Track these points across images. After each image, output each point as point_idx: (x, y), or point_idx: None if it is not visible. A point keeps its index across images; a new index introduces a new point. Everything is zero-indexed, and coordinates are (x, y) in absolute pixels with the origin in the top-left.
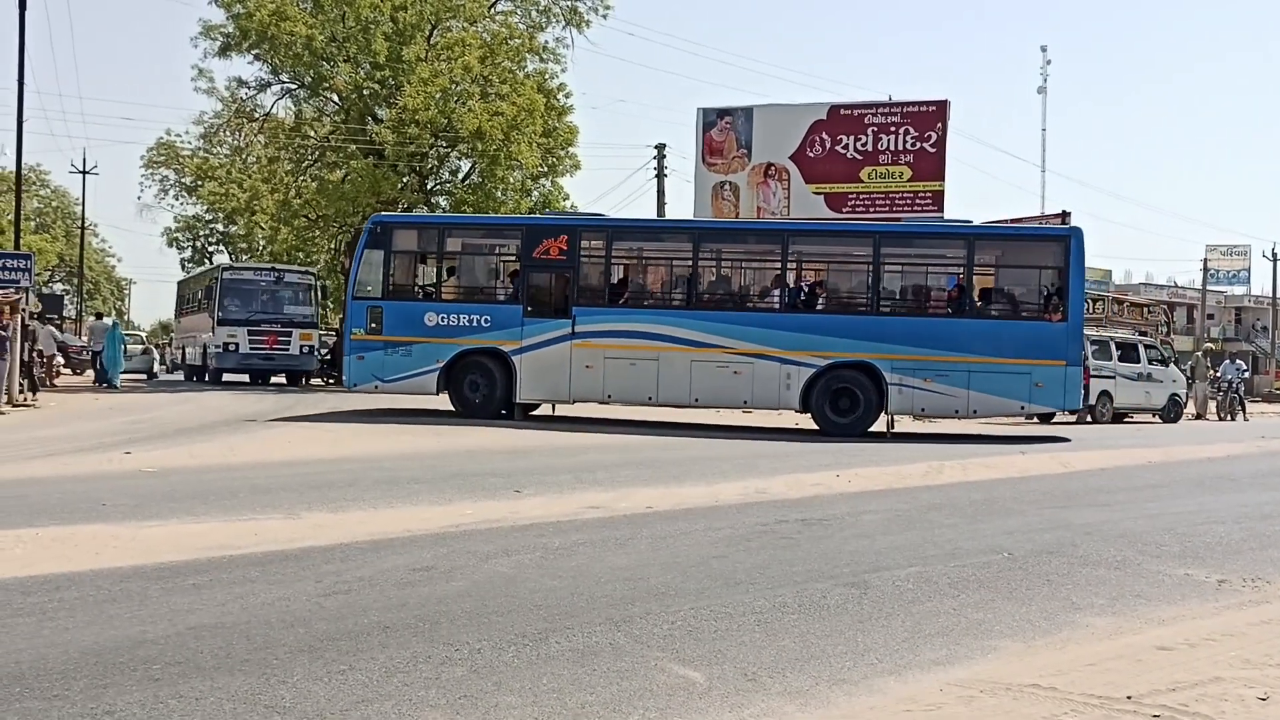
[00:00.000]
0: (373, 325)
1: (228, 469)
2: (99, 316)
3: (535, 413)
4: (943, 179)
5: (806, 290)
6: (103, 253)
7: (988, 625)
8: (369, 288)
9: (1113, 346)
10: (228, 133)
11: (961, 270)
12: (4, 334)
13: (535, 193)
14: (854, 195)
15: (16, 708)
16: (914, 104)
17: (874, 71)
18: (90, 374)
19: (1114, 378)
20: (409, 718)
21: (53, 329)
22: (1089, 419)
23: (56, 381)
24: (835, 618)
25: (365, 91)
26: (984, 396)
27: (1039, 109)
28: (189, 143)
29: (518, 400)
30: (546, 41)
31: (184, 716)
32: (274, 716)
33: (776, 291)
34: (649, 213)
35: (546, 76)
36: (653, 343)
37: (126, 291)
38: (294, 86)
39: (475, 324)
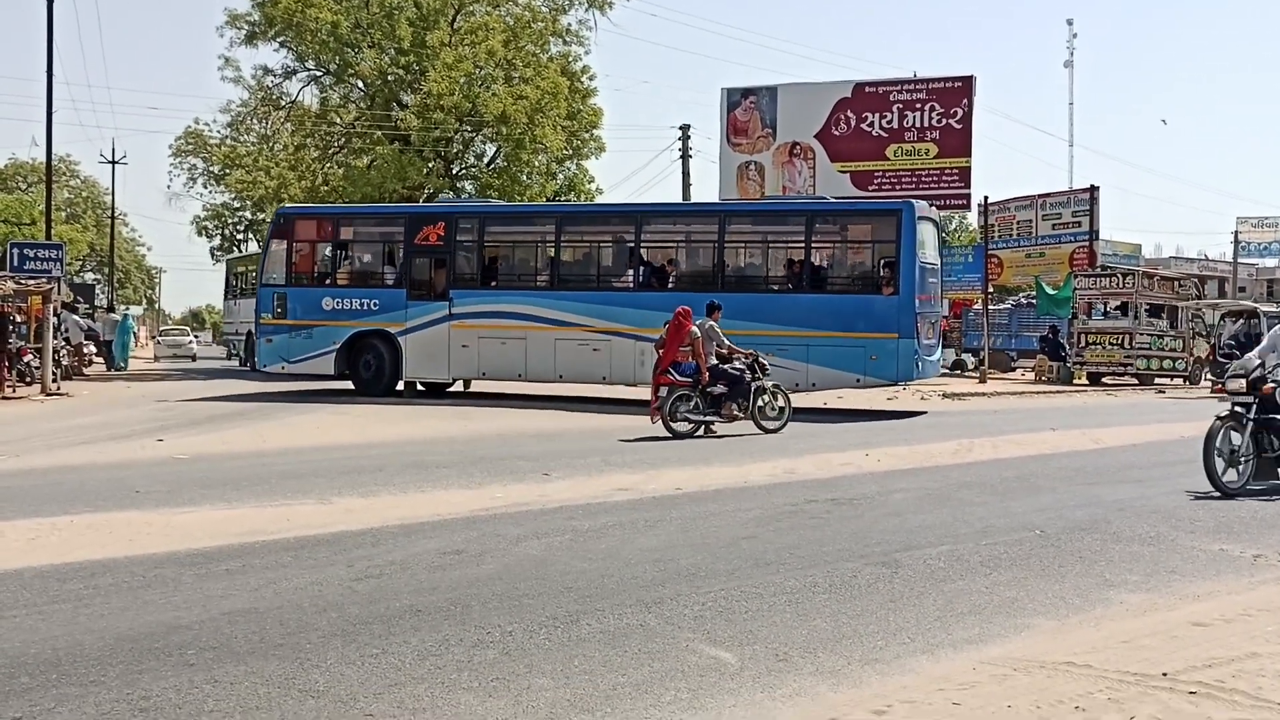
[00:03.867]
0: (278, 310)
1: (258, 455)
2: (110, 310)
3: (452, 390)
4: (969, 155)
5: (658, 270)
6: (133, 242)
7: (1020, 603)
8: (275, 275)
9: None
10: (255, 121)
11: (801, 247)
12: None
13: (560, 176)
14: (880, 173)
15: (54, 693)
16: (940, 80)
17: (899, 48)
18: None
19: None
20: (442, 701)
21: (78, 319)
22: None
23: (87, 371)
24: (867, 597)
25: (390, 77)
26: (822, 370)
27: (1065, 83)
28: (217, 131)
29: (404, 379)
30: (569, 24)
31: (218, 701)
32: (308, 700)
33: (630, 271)
34: (674, 195)
35: (570, 59)
36: (521, 322)
37: (156, 280)
38: (320, 73)
39: (366, 308)
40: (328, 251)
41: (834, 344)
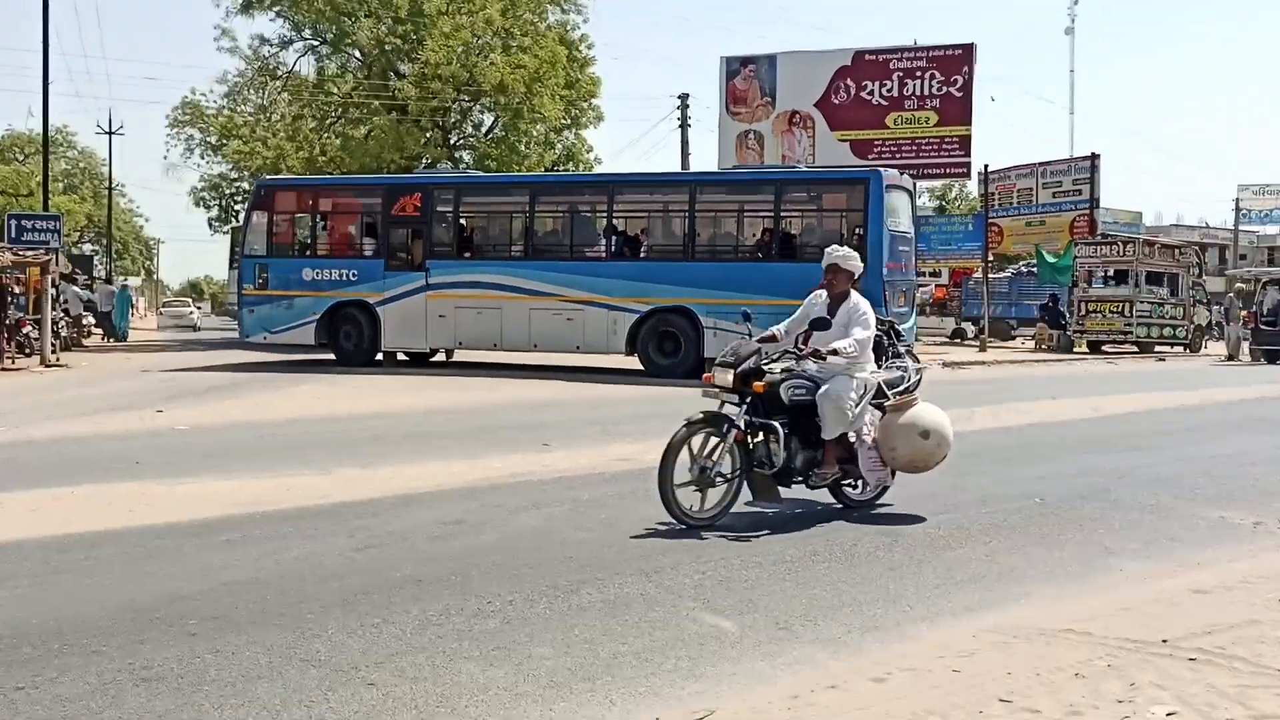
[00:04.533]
0: (260, 281)
1: (258, 426)
2: (107, 281)
3: (435, 360)
4: (970, 123)
5: (630, 239)
6: (130, 213)
7: (1020, 571)
8: (256, 246)
9: None
10: (251, 91)
11: (771, 216)
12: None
13: (559, 145)
14: (880, 142)
15: (56, 663)
16: (940, 48)
17: (898, 16)
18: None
19: None
20: (443, 670)
21: (77, 289)
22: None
23: (86, 342)
24: (866, 565)
25: (387, 47)
26: None
27: (1066, 50)
28: (213, 102)
29: (383, 349)
30: None
31: (220, 670)
32: (309, 670)
33: (603, 241)
34: (674, 165)
35: (568, 28)
36: (496, 292)
37: (155, 251)
38: (316, 43)
39: (345, 278)
40: (308, 222)
41: None
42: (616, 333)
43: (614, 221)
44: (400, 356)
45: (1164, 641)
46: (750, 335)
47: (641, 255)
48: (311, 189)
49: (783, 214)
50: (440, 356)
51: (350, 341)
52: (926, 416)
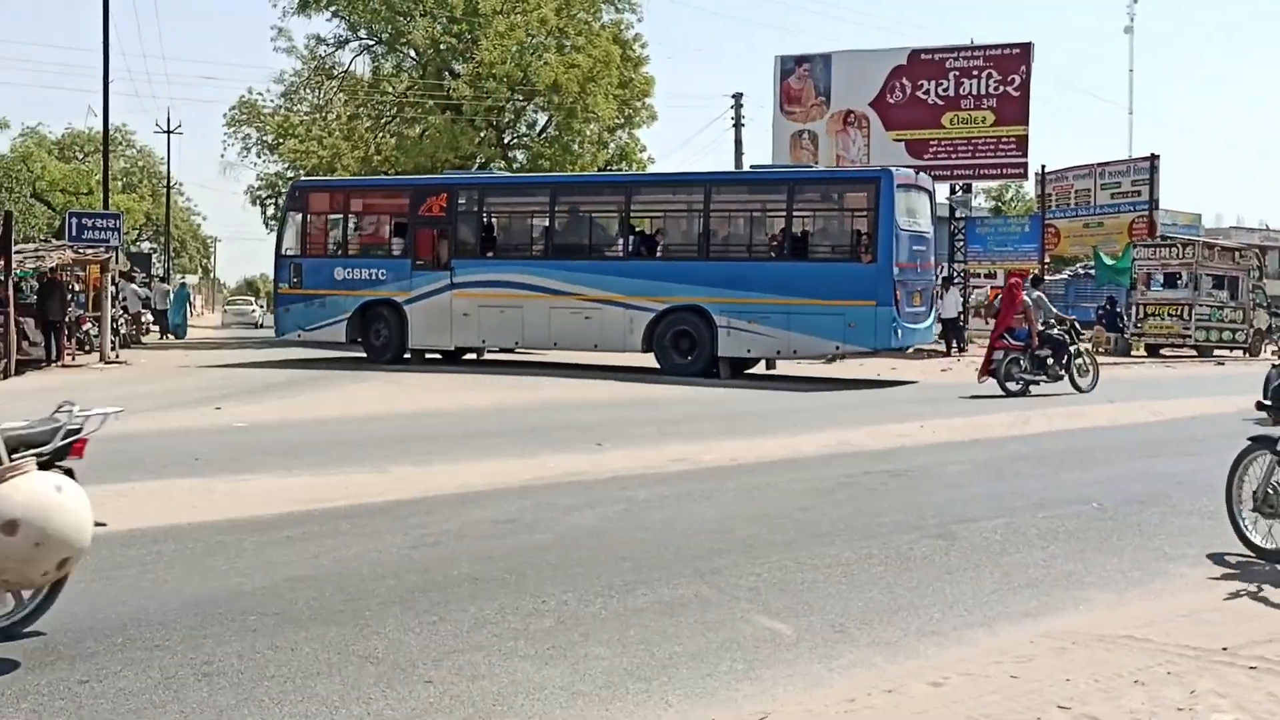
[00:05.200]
0: (294, 280)
1: (315, 424)
2: (164, 279)
3: (468, 358)
4: (1027, 123)
5: (646, 239)
6: (188, 211)
7: (1078, 576)
8: (290, 246)
9: None
10: (308, 90)
11: (783, 215)
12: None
13: (612, 145)
14: (935, 142)
15: (120, 657)
16: (997, 47)
17: (955, 15)
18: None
19: None
20: (499, 668)
21: (135, 287)
22: None
23: (144, 339)
24: (923, 569)
25: (442, 46)
26: (803, 337)
27: (1125, 49)
28: (270, 101)
29: (411, 347)
30: None
31: (280, 666)
32: (367, 666)
33: (620, 241)
34: (728, 164)
35: (622, 27)
36: (518, 291)
37: (212, 249)
38: (372, 43)
39: (374, 278)
40: (340, 223)
41: (814, 311)
42: (633, 331)
43: (631, 221)
44: (433, 355)
45: (1224, 649)
46: None
47: (657, 255)
48: (343, 190)
49: (795, 214)
50: (471, 356)
51: (380, 339)
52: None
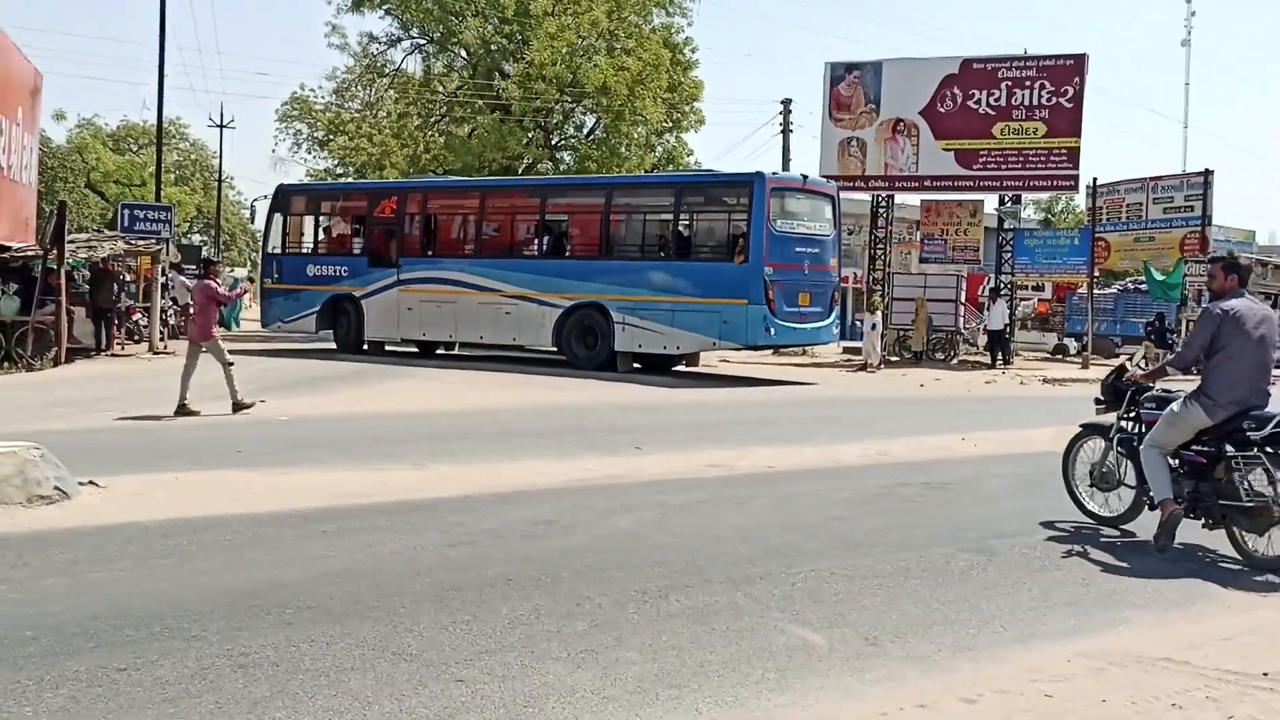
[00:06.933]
0: (276, 276)
1: (355, 419)
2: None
3: (440, 352)
4: (1079, 135)
5: (557, 238)
6: (239, 205)
7: (1118, 595)
8: (274, 244)
9: None
10: (359, 88)
11: (669, 218)
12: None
13: (659, 148)
14: (985, 152)
15: (157, 646)
16: (1050, 58)
17: (1008, 24)
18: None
19: None
20: (531, 669)
21: (185, 279)
22: None
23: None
24: (959, 583)
25: (493, 46)
26: (684, 333)
27: (1182, 63)
28: (322, 98)
29: (367, 339)
30: None
31: (314, 660)
32: (400, 663)
33: (536, 240)
34: (775, 169)
35: (672, 30)
36: (452, 288)
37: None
38: (423, 42)
39: (339, 274)
40: (313, 224)
41: (694, 309)
42: (544, 326)
43: (546, 222)
44: (408, 350)
45: (1265, 674)
46: None
47: (566, 254)
48: (318, 194)
49: (680, 215)
50: (441, 351)
51: (343, 330)
52: None
